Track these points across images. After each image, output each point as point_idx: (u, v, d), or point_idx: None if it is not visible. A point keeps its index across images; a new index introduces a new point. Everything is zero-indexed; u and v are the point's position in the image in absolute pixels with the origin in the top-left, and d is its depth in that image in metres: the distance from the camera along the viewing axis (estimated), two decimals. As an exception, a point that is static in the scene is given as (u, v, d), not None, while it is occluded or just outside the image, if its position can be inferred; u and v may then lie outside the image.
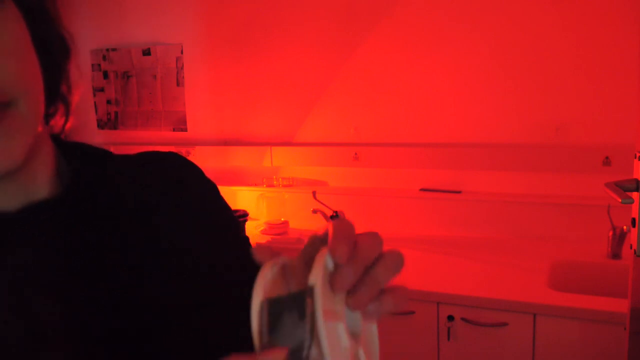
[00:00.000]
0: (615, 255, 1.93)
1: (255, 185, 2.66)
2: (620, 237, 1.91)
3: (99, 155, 0.53)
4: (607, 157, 2.01)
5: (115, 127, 2.93)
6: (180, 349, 0.48)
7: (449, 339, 1.74)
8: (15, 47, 0.40)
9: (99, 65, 2.89)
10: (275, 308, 0.33)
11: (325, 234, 0.37)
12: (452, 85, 2.25)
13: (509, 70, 2.15)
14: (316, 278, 0.33)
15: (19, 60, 0.40)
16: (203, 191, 0.60)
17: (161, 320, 0.48)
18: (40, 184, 0.47)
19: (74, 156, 0.51)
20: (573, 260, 1.95)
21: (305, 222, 2.48)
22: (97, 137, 2.93)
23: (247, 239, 0.63)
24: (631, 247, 1.17)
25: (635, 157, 1.16)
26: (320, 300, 0.32)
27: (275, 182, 2.61)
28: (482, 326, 1.69)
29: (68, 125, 0.51)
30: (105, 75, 2.89)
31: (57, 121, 0.50)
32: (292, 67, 2.51)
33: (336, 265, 0.34)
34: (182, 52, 2.71)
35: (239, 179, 2.70)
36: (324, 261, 0.34)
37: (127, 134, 2.91)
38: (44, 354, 0.40)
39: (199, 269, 0.53)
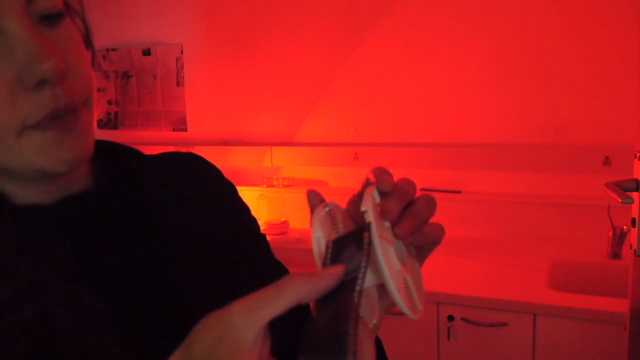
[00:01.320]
0: (615, 255, 1.93)
1: (255, 185, 2.66)
2: (620, 237, 1.91)
3: (129, 153, 0.57)
4: (607, 157, 2.01)
5: (115, 127, 2.93)
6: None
7: (449, 339, 1.74)
8: (82, 50, 0.46)
9: (99, 65, 2.89)
10: (338, 246, 0.38)
11: (366, 184, 0.42)
12: (452, 85, 2.25)
13: (509, 70, 2.15)
14: (367, 205, 0.38)
15: (87, 62, 0.46)
16: (223, 190, 0.64)
17: (194, 306, 0.49)
18: (76, 179, 0.49)
19: (105, 153, 0.54)
20: (573, 260, 1.95)
21: (305, 222, 2.47)
22: (97, 137, 2.93)
23: (264, 236, 0.66)
24: (631, 247, 1.17)
25: (635, 157, 1.16)
26: (374, 222, 0.37)
27: (275, 182, 2.60)
28: (482, 326, 1.69)
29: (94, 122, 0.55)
30: (106, 75, 2.89)
31: None
32: (292, 67, 2.51)
33: (382, 197, 0.41)
34: (182, 52, 2.71)
35: (239, 179, 2.70)
36: (372, 192, 0.40)
37: (127, 134, 2.91)
38: (93, 340, 0.42)
39: (224, 261, 0.56)
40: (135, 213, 0.51)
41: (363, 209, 0.38)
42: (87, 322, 0.43)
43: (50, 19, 0.42)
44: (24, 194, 0.45)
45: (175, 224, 0.54)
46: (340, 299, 0.33)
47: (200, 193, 0.59)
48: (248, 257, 0.59)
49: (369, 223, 0.37)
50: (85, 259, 0.46)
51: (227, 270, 0.55)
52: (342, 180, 2.52)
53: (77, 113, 0.43)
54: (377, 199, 0.41)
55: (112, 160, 0.54)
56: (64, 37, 0.43)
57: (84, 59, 0.45)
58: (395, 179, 0.43)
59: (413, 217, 0.42)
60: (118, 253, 0.48)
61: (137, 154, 0.58)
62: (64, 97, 0.41)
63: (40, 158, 0.42)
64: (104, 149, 0.55)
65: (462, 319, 1.71)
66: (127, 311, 0.45)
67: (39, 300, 0.42)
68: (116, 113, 2.92)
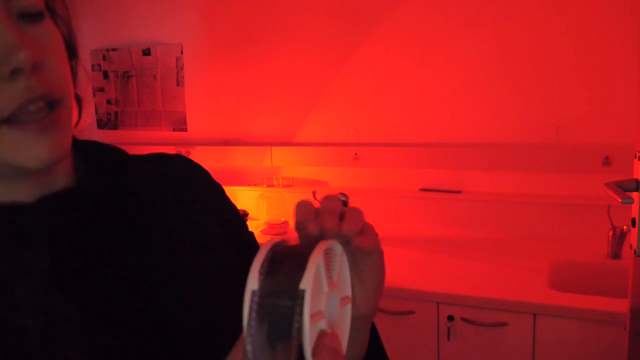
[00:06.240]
0: (615, 255, 1.93)
1: (255, 185, 2.66)
2: (620, 237, 1.91)
3: (113, 152, 0.56)
4: (607, 157, 2.01)
5: (115, 127, 2.93)
6: (195, 342, 0.49)
7: (449, 339, 1.74)
8: (61, 50, 0.46)
9: (99, 65, 2.89)
10: (278, 258, 0.37)
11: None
12: (452, 85, 2.25)
13: (509, 70, 2.15)
14: (308, 283, 0.34)
15: (65, 62, 0.46)
16: (210, 192, 0.63)
17: (177, 314, 0.49)
18: (57, 177, 0.48)
19: (89, 152, 0.53)
20: (573, 260, 1.95)
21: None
22: (97, 137, 2.92)
23: (252, 234, 0.66)
24: (631, 247, 1.17)
25: (635, 157, 1.16)
26: (309, 306, 0.34)
27: (275, 182, 2.61)
28: (482, 326, 1.69)
29: (81, 123, 0.54)
30: (105, 75, 2.89)
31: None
32: (292, 67, 2.51)
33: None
34: (182, 52, 2.71)
35: (239, 179, 2.70)
36: (317, 265, 0.35)
37: (127, 134, 2.91)
38: (63, 352, 0.41)
39: (210, 264, 0.55)
40: (117, 213, 0.50)
41: (303, 286, 0.34)
42: (57, 332, 0.41)
43: (29, 17, 0.42)
44: (2, 192, 0.44)
45: (159, 227, 0.52)
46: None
47: (185, 195, 0.58)
48: (235, 256, 0.58)
49: (305, 305, 0.34)
50: (62, 262, 0.44)
51: (211, 278, 0.53)
52: (342, 180, 2.51)
53: (55, 110, 0.43)
54: (322, 267, 0.37)
55: (96, 159, 0.53)
56: (42, 34, 0.43)
57: (62, 58, 0.45)
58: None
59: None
60: (97, 256, 0.46)
61: (122, 154, 0.57)
62: (39, 89, 0.41)
63: (16, 155, 0.41)
64: (87, 148, 0.54)
65: (462, 319, 1.71)
66: (103, 322, 0.44)
67: (6, 305, 0.40)
68: (116, 113, 2.92)
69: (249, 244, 0.64)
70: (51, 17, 0.46)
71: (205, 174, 0.64)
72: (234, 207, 0.65)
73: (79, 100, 0.52)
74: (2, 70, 0.39)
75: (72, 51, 0.50)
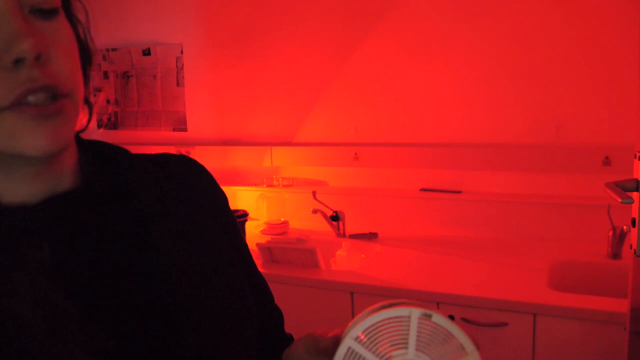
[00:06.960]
0: (615, 255, 1.93)
1: (255, 185, 2.66)
2: (620, 237, 1.91)
3: (118, 153, 0.56)
4: (607, 157, 2.01)
5: (115, 127, 2.93)
6: (196, 342, 0.49)
7: (449, 339, 1.73)
8: (72, 49, 0.46)
9: (99, 65, 2.89)
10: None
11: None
12: (452, 85, 2.25)
13: (509, 70, 2.15)
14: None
15: (75, 60, 0.46)
16: (213, 193, 0.63)
17: (177, 314, 0.49)
18: (63, 177, 0.48)
19: (95, 153, 0.54)
20: (573, 260, 1.95)
21: (305, 222, 2.48)
22: (97, 138, 2.92)
23: (247, 247, 0.67)
24: (631, 247, 1.17)
25: (635, 157, 1.16)
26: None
27: (275, 182, 2.61)
28: (482, 326, 1.69)
29: (90, 125, 0.55)
30: (105, 75, 2.89)
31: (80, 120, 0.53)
32: (292, 67, 2.51)
33: None
34: (182, 52, 2.71)
35: (239, 179, 2.70)
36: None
37: (127, 134, 2.91)
38: (61, 346, 0.41)
39: (211, 265, 0.55)
40: (118, 214, 0.50)
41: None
42: (58, 331, 0.41)
43: (42, 12, 0.42)
44: (10, 193, 0.45)
45: (160, 227, 0.53)
46: None
47: (187, 195, 0.58)
48: (234, 262, 0.58)
49: None
50: (63, 263, 0.44)
51: (211, 278, 0.54)
52: (342, 180, 2.51)
53: (59, 100, 0.43)
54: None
55: (99, 159, 0.53)
56: (52, 29, 0.43)
57: (70, 55, 0.45)
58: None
59: None
60: (98, 257, 0.47)
61: (126, 153, 0.57)
62: (41, 80, 0.41)
63: (14, 141, 0.41)
64: (91, 147, 0.54)
65: (462, 319, 1.71)
66: (103, 321, 0.44)
67: (7, 301, 0.41)
68: (116, 113, 2.92)
69: (244, 257, 0.64)
70: (67, 18, 0.46)
71: (209, 175, 0.64)
72: (232, 216, 0.65)
73: (90, 105, 0.53)
74: (4, 59, 0.39)
75: (87, 56, 0.50)
